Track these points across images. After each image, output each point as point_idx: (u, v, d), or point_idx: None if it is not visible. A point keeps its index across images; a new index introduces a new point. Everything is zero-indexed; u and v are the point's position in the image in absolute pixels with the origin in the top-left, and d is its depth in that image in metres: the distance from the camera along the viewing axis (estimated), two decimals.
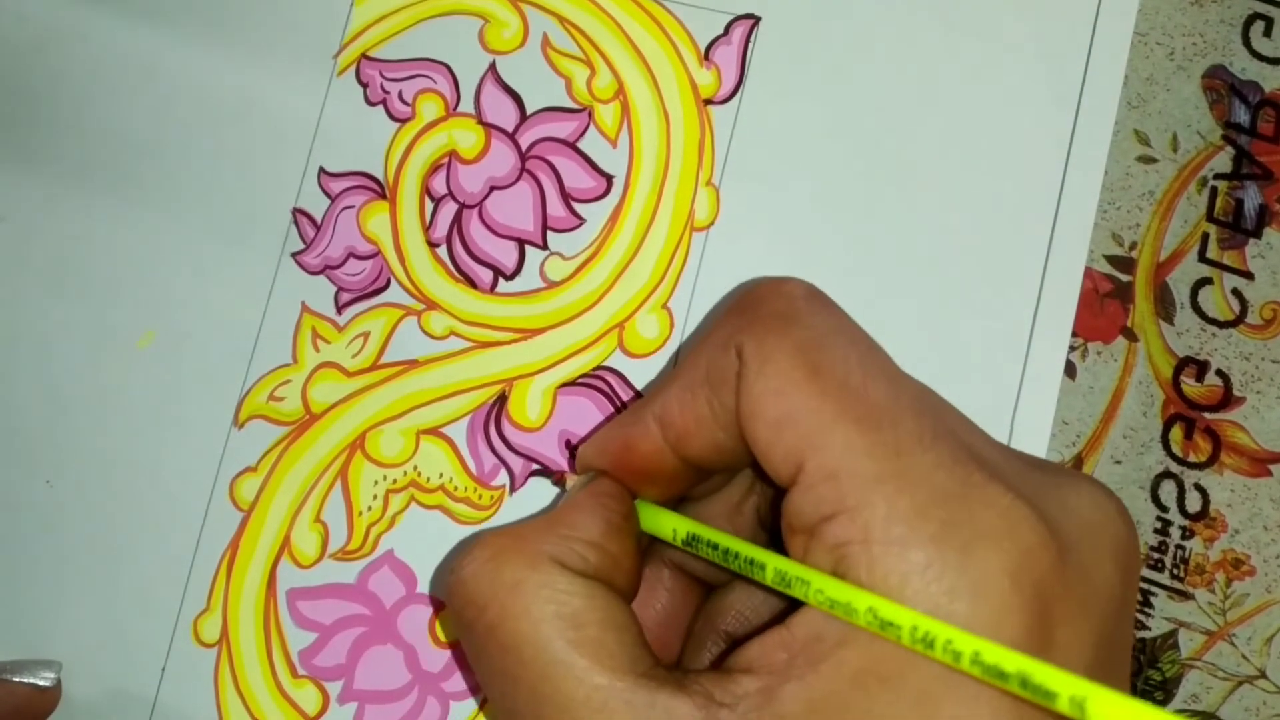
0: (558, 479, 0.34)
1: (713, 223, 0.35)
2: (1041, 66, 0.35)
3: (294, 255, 0.36)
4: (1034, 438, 0.34)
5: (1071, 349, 0.35)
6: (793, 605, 0.23)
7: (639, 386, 0.35)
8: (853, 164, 0.35)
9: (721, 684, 0.22)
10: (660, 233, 0.35)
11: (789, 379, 0.23)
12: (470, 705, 0.34)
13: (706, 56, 0.36)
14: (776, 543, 0.24)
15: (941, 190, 0.35)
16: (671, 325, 0.35)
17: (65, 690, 0.34)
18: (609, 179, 0.36)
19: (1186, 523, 0.34)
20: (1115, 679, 0.22)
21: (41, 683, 0.33)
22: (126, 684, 0.34)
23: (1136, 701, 0.19)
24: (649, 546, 0.29)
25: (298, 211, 0.36)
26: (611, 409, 0.35)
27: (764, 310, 0.24)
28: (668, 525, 0.26)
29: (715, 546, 0.25)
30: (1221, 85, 0.36)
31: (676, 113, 0.36)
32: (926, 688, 0.20)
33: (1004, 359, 0.34)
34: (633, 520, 0.27)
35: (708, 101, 0.36)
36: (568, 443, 0.35)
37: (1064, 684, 0.19)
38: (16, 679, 0.33)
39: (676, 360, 0.26)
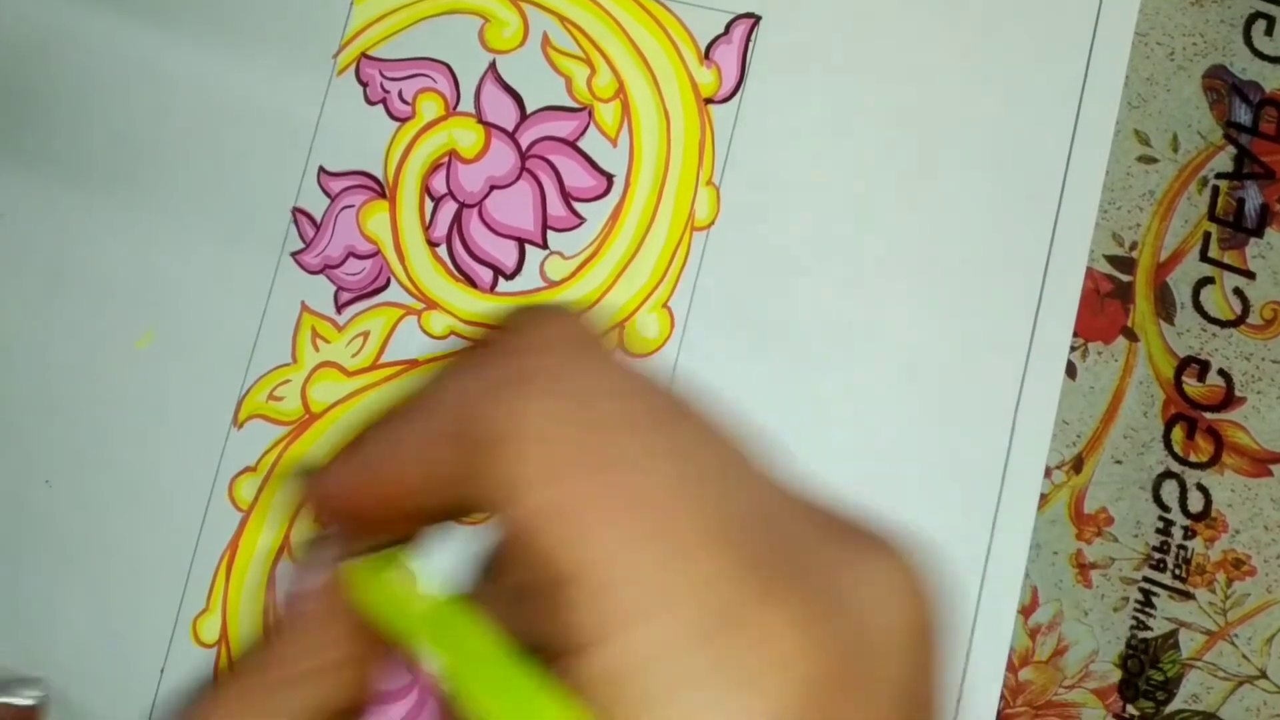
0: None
1: (713, 222, 0.35)
2: (1042, 65, 0.35)
3: (294, 255, 0.35)
4: (1035, 438, 0.33)
5: (1072, 349, 0.34)
6: None
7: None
8: (854, 163, 0.35)
9: None
10: (660, 232, 0.35)
11: (559, 458, 0.18)
12: None
13: (707, 55, 0.35)
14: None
15: (942, 189, 0.34)
16: (672, 324, 0.34)
17: (64, 692, 0.33)
18: (609, 178, 0.35)
19: (1188, 523, 0.34)
20: None
21: (21, 701, 0.33)
22: (125, 685, 0.33)
23: None
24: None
25: (297, 211, 0.35)
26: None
27: (531, 362, 0.19)
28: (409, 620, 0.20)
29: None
30: (1222, 85, 0.35)
31: (677, 112, 0.35)
32: None
33: (1005, 359, 0.33)
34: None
35: (708, 101, 0.35)
36: None
37: None
38: (2, 699, 0.32)
39: (411, 389, 0.21)
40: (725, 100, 0.35)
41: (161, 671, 0.33)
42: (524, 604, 0.22)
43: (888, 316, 0.34)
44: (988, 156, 0.34)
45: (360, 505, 0.21)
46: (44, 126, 0.36)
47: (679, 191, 0.35)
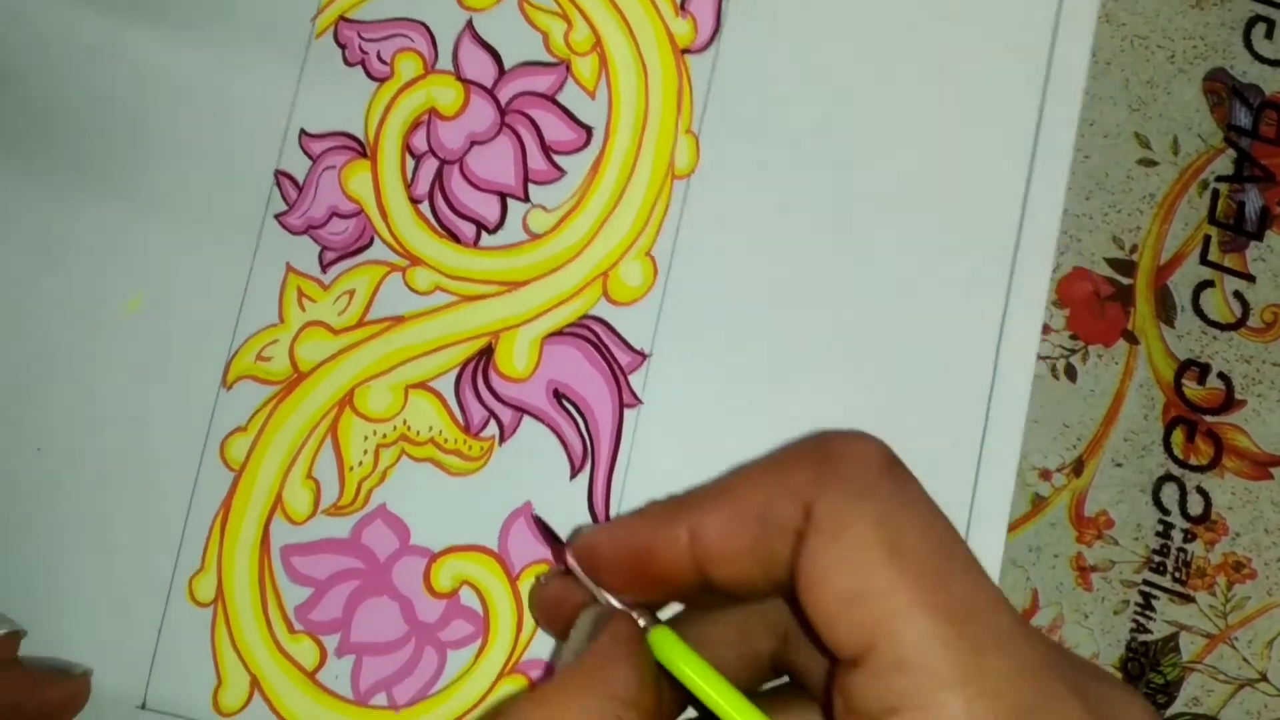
0: (559, 556, 0.31)
1: (693, 170, 0.34)
2: (1016, 7, 0.35)
3: (277, 217, 0.35)
4: (1007, 435, 0.33)
5: (1072, 352, 0.34)
6: None
7: (624, 334, 0.34)
8: (830, 108, 0.35)
9: None
10: (641, 182, 0.34)
11: (866, 553, 0.20)
12: (467, 654, 0.33)
13: (682, 6, 0.35)
14: (788, 686, 0.23)
15: (920, 131, 0.35)
16: (655, 272, 0.34)
17: (63, 655, 0.33)
18: (588, 131, 0.35)
19: (1188, 525, 0.33)
20: None
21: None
22: (124, 646, 0.33)
23: None
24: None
25: (280, 173, 0.35)
26: (598, 356, 0.34)
27: (842, 470, 0.22)
28: (697, 681, 0.24)
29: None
30: (1223, 88, 0.35)
31: (654, 63, 0.35)
32: None
33: (985, 300, 0.34)
34: (650, 656, 0.24)
35: (685, 51, 0.35)
36: (555, 392, 0.34)
37: None
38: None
39: (723, 480, 0.23)
40: (702, 50, 0.35)
41: (159, 631, 0.33)
42: (778, 656, 0.26)
43: (866, 258, 0.34)
44: (964, 94, 0.35)
45: (667, 563, 0.24)
46: (24, 97, 0.36)
47: (658, 141, 0.35)
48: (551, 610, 0.28)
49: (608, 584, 0.26)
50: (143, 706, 0.33)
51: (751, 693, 0.24)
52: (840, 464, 0.22)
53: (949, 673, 0.19)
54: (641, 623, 0.25)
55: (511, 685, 0.33)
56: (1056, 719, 0.19)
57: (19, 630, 0.31)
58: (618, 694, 0.23)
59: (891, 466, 0.22)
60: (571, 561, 0.27)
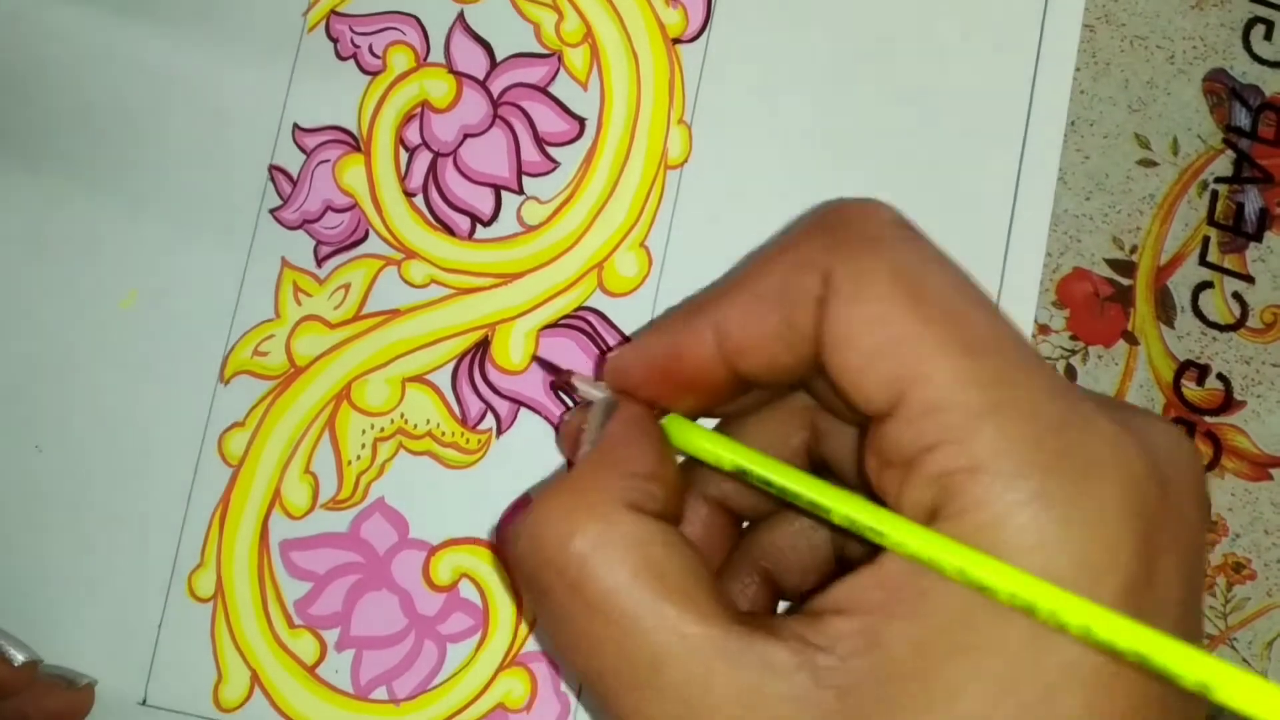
0: (565, 380, 0.30)
1: (686, 160, 0.34)
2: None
3: (272, 212, 0.35)
4: None
5: (1072, 352, 0.34)
6: (849, 542, 0.21)
7: (620, 325, 0.34)
8: (821, 97, 0.34)
9: (814, 626, 0.20)
10: (634, 172, 0.34)
11: (889, 305, 0.21)
12: (467, 647, 0.33)
13: None
14: (823, 475, 0.23)
15: (910, 118, 0.34)
16: (650, 262, 0.34)
17: (63, 651, 0.33)
18: (581, 122, 0.35)
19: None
20: (1198, 618, 0.21)
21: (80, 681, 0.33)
22: (124, 642, 0.33)
23: (1259, 680, 0.18)
24: (685, 476, 0.27)
25: (274, 168, 0.35)
26: (593, 348, 0.34)
27: (853, 233, 0.22)
28: (713, 450, 0.24)
29: (769, 483, 0.23)
30: (1222, 89, 0.35)
31: (645, 53, 0.35)
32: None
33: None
34: (668, 442, 0.25)
35: (676, 40, 0.35)
36: (552, 384, 0.34)
37: (1189, 666, 0.18)
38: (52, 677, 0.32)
39: (735, 273, 0.24)
40: (693, 40, 0.35)
41: (159, 627, 0.33)
42: (813, 444, 0.26)
43: None
44: (955, 80, 0.34)
45: (697, 363, 0.24)
46: (19, 93, 0.36)
47: (651, 132, 0.34)
48: (578, 439, 0.27)
49: (643, 399, 0.25)
50: (143, 702, 0.33)
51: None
52: (850, 227, 0.22)
53: (979, 404, 0.19)
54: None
55: (512, 677, 0.33)
56: (1086, 432, 0.19)
57: (37, 659, 0.31)
58: (636, 470, 0.23)
59: (901, 222, 0.22)
60: (583, 387, 0.27)
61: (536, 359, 0.33)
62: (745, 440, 0.25)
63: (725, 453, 0.24)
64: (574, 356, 0.34)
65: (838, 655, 0.20)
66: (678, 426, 0.25)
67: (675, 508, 0.23)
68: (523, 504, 0.33)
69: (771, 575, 0.27)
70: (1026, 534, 0.19)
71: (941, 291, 0.21)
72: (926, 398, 0.20)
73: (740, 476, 0.23)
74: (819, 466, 0.26)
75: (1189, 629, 0.20)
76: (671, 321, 0.24)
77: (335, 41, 0.35)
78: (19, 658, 0.31)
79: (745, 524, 0.28)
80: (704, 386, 0.24)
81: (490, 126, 0.35)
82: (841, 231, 0.22)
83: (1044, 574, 0.19)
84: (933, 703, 0.19)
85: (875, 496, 0.22)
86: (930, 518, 0.20)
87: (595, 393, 0.26)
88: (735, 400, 0.25)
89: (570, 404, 0.34)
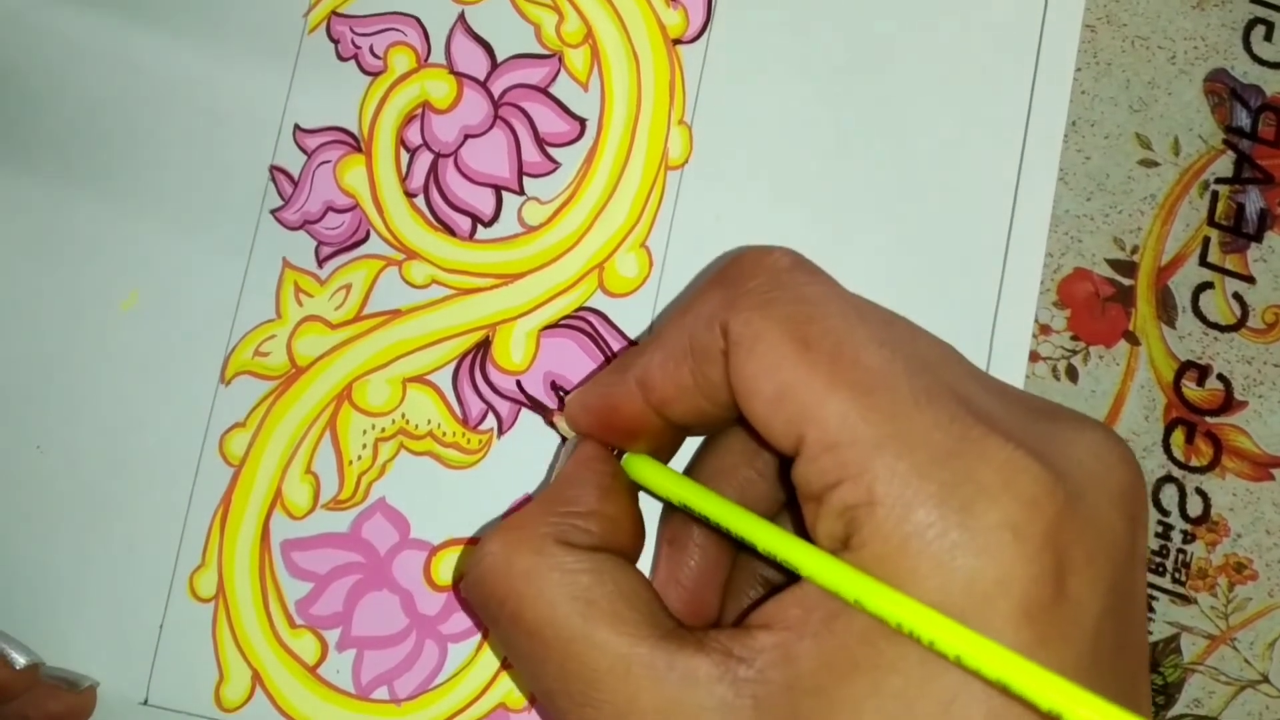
0: (548, 419, 0.33)
1: (687, 161, 0.34)
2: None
3: (273, 212, 0.35)
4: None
5: (1073, 353, 0.33)
6: None
7: (621, 325, 0.33)
8: (822, 98, 0.34)
9: (740, 640, 0.22)
10: (635, 173, 0.34)
11: (779, 354, 0.22)
12: (468, 647, 0.33)
13: None
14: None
15: (910, 121, 0.34)
16: (651, 263, 0.34)
17: (64, 652, 0.33)
18: (582, 122, 0.34)
19: (1188, 527, 0.33)
20: (1129, 629, 0.21)
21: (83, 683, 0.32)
22: (125, 642, 0.33)
23: (1110, 706, 0.18)
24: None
25: (275, 169, 0.35)
26: (594, 348, 0.33)
27: (748, 285, 0.23)
28: (662, 486, 0.26)
29: (707, 518, 0.25)
30: (1223, 89, 0.35)
31: (646, 54, 0.35)
32: None
33: (982, 279, 0.33)
34: (622, 478, 0.26)
35: (676, 41, 0.35)
36: (553, 384, 0.33)
37: (1042, 694, 0.19)
38: (55, 679, 0.32)
39: (655, 326, 0.25)
40: (693, 40, 0.35)
41: (160, 628, 0.33)
42: (774, 481, 0.27)
43: (859, 247, 0.34)
44: (956, 86, 0.34)
45: (629, 415, 0.26)
46: (20, 95, 0.35)
47: (651, 132, 0.34)
48: None
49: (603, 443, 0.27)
50: (145, 702, 0.33)
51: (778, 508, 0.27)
52: (745, 280, 0.24)
53: (870, 440, 0.20)
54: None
55: (513, 677, 0.32)
56: (976, 459, 0.20)
57: (39, 661, 0.31)
58: (573, 508, 0.25)
59: (793, 268, 0.24)
60: (560, 426, 0.29)
61: (527, 397, 0.33)
62: (723, 454, 0.27)
63: (673, 489, 0.25)
64: (575, 357, 0.33)
65: (756, 668, 0.21)
66: (635, 465, 0.26)
67: (618, 540, 0.25)
68: (523, 505, 0.33)
69: (772, 584, 0.27)
70: (921, 563, 0.20)
71: (831, 334, 0.22)
72: (822, 438, 0.21)
73: (688, 511, 0.25)
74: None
75: (1111, 638, 0.20)
76: (606, 375, 0.26)
77: (336, 42, 0.35)
78: (21, 660, 0.31)
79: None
80: (644, 432, 0.26)
81: (491, 127, 0.34)
82: (736, 285, 0.23)
83: (940, 604, 0.19)
84: (836, 716, 0.20)
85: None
86: (841, 548, 0.21)
87: (570, 432, 0.28)
88: (683, 439, 0.28)
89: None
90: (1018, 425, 0.21)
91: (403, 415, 0.33)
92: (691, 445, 0.29)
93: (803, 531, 0.23)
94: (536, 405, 0.33)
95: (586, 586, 0.23)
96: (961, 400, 0.21)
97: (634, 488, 0.27)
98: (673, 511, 0.28)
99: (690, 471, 0.28)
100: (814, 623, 0.21)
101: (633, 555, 0.26)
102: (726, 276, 0.24)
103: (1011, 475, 0.20)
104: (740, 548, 0.28)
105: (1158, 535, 0.33)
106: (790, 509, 0.28)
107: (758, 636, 0.21)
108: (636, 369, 0.25)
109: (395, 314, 0.34)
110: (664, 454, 0.28)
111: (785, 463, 0.26)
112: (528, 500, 0.33)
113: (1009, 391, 0.23)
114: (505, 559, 0.24)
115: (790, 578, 0.22)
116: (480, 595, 0.24)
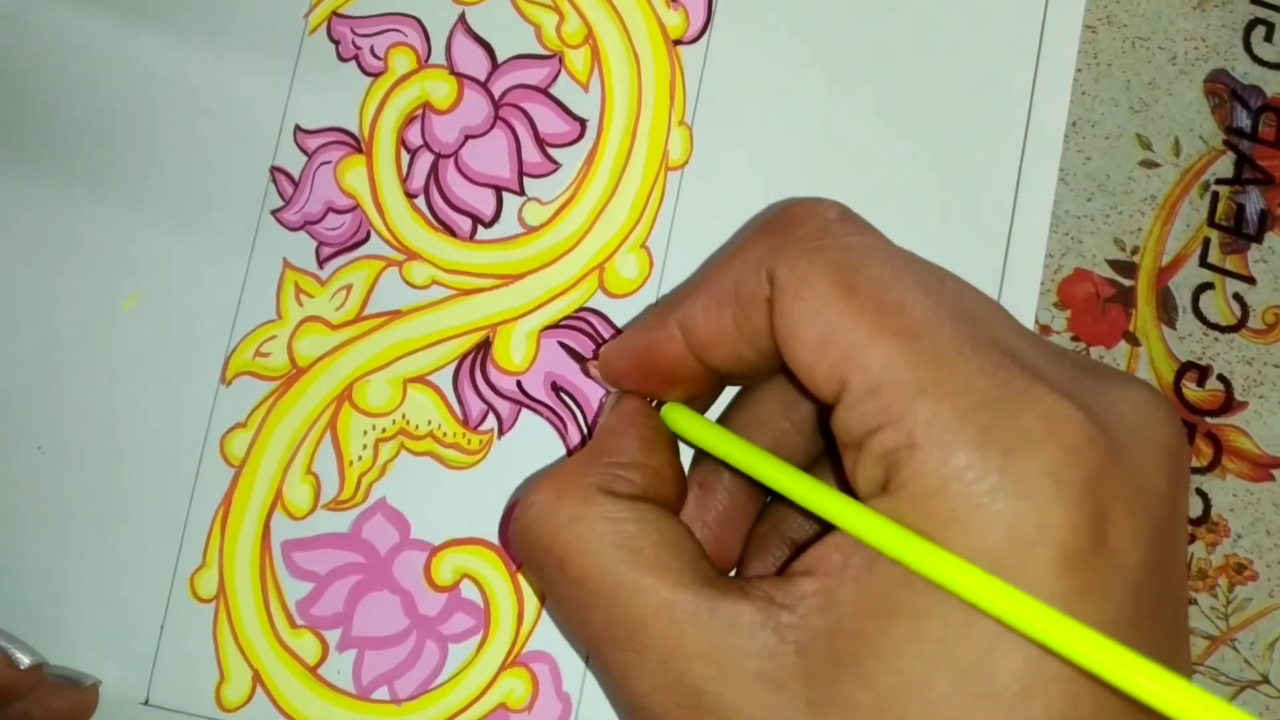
0: (585, 369, 0.33)
1: (687, 161, 0.34)
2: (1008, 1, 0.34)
3: (274, 213, 0.34)
4: None
5: (1060, 349, 0.33)
6: None
7: (621, 326, 0.33)
8: (822, 99, 0.34)
9: (782, 587, 0.22)
10: (635, 174, 0.34)
11: (825, 300, 0.22)
12: (468, 647, 0.32)
13: None
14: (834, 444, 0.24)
15: (910, 120, 0.34)
16: (651, 264, 0.34)
17: (65, 652, 0.33)
18: (582, 123, 0.34)
19: (1188, 528, 0.33)
20: (1169, 586, 0.21)
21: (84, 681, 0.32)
22: (126, 642, 0.33)
23: (1150, 666, 0.18)
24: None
25: (275, 169, 0.34)
26: (595, 347, 0.33)
27: (797, 233, 0.23)
28: (700, 437, 0.26)
29: (746, 470, 0.25)
30: (1223, 90, 0.34)
31: (646, 54, 0.34)
32: None
33: (985, 273, 0.33)
34: (664, 431, 0.27)
35: (677, 42, 0.34)
36: (553, 384, 0.33)
37: (1083, 652, 0.18)
38: (57, 678, 0.32)
39: (701, 270, 0.25)
40: (694, 41, 0.34)
41: (161, 627, 0.33)
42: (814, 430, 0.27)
43: None
44: (957, 85, 0.34)
45: (670, 358, 0.26)
46: (21, 96, 0.35)
47: (652, 133, 0.34)
48: None
49: (631, 390, 0.28)
50: (146, 702, 0.32)
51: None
52: (794, 228, 0.23)
53: (913, 385, 0.20)
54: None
55: (513, 678, 0.32)
56: (1018, 405, 0.20)
57: (42, 661, 0.31)
58: (617, 459, 0.25)
59: (842, 219, 0.24)
60: (595, 374, 0.29)
61: (560, 344, 0.33)
62: (761, 403, 0.27)
63: (711, 440, 0.25)
64: (576, 360, 0.33)
65: (799, 613, 0.21)
66: (674, 415, 0.27)
67: (660, 491, 0.25)
68: None
69: (797, 543, 0.27)
70: (960, 505, 0.19)
71: (877, 282, 0.22)
72: (865, 383, 0.21)
73: (725, 463, 0.25)
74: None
75: (1151, 593, 0.20)
76: (646, 320, 0.26)
77: (337, 43, 0.35)
78: (25, 660, 0.30)
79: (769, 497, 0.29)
80: (682, 379, 0.26)
81: (491, 128, 0.34)
82: (785, 233, 0.23)
83: (978, 548, 0.19)
84: (877, 661, 0.20)
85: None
86: (880, 492, 0.21)
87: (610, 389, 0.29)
88: (723, 386, 0.28)
89: (570, 404, 0.33)
90: (1063, 377, 0.21)
91: (403, 416, 0.33)
92: (726, 396, 0.29)
93: (839, 485, 0.23)
94: (574, 355, 0.33)
95: (631, 535, 0.23)
96: (1006, 350, 0.21)
97: (674, 440, 0.27)
98: (705, 455, 0.28)
99: (725, 420, 0.29)
100: (854, 567, 0.21)
101: (675, 506, 0.26)
102: (774, 225, 0.24)
103: (1055, 423, 0.20)
104: (774, 499, 0.28)
105: None
106: (828, 459, 0.28)
107: (799, 583, 0.21)
108: (679, 313, 0.25)
109: (396, 314, 0.34)
110: (701, 404, 0.28)
111: (823, 414, 0.27)
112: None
113: (1054, 348, 0.23)
114: (551, 507, 0.24)
115: (824, 530, 0.22)
116: (527, 542, 0.25)
